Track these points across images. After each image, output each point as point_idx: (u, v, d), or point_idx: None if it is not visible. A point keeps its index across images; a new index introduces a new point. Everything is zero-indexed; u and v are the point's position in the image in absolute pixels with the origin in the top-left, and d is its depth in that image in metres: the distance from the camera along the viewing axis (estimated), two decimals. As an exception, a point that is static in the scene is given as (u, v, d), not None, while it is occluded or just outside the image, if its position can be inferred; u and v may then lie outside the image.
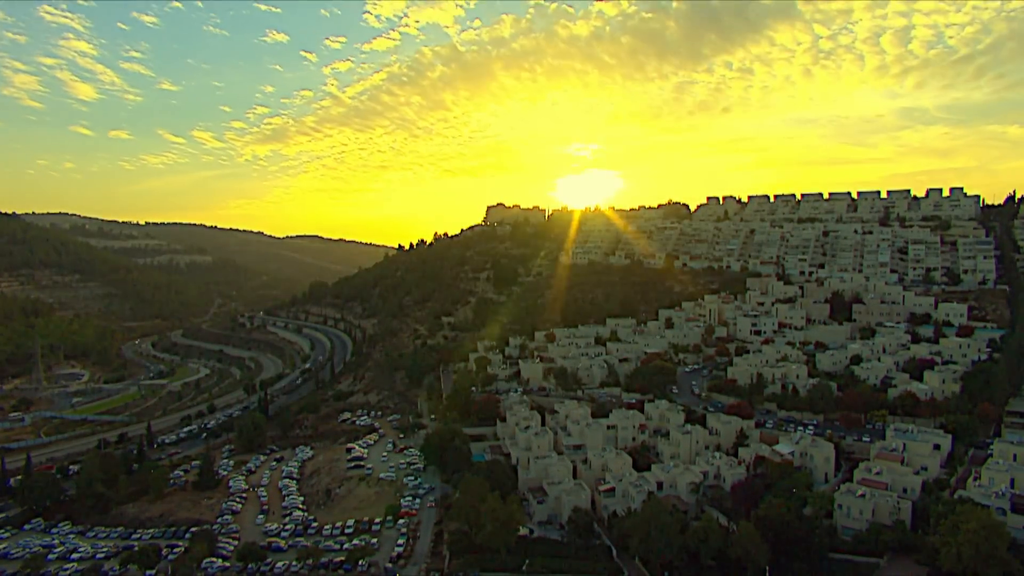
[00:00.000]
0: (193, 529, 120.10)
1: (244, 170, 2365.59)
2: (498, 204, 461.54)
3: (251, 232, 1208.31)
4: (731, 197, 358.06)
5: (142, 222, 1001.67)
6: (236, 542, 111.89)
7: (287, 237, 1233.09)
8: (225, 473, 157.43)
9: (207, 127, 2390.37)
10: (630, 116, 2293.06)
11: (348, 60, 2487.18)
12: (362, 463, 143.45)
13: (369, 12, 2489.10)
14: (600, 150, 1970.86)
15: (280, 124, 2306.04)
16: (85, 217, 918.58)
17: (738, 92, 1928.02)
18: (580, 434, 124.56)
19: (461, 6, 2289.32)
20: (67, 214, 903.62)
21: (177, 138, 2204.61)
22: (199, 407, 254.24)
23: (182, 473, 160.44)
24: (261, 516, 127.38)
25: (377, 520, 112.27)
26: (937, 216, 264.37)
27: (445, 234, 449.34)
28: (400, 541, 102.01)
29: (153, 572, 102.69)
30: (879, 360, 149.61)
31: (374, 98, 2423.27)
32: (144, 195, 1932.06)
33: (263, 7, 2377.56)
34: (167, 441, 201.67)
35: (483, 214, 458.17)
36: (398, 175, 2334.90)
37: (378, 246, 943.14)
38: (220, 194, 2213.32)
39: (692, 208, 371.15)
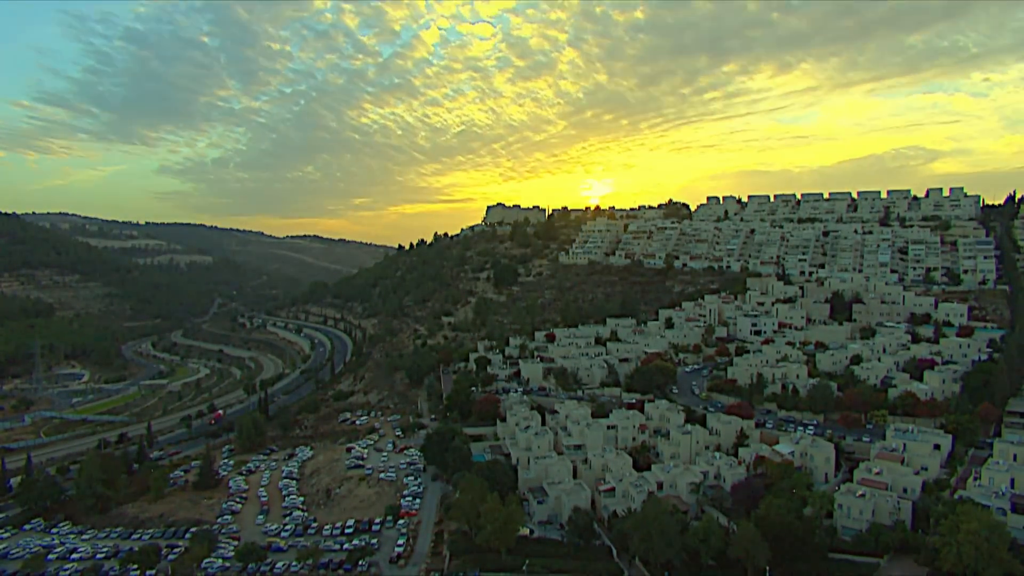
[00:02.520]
0: (193, 529, 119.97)
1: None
2: (498, 204, 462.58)
3: (251, 232, 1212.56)
4: (731, 197, 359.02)
5: (142, 222, 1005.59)
6: (236, 542, 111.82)
7: (287, 237, 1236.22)
8: (225, 473, 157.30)
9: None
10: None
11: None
12: (362, 463, 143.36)
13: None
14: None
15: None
16: (85, 217, 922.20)
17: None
18: (580, 434, 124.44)
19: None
20: (67, 214, 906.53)
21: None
22: (199, 407, 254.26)
23: (182, 473, 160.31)
24: (261, 516, 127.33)
25: (377, 520, 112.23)
26: (937, 216, 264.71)
27: (445, 234, 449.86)
28: (400, 541, 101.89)
29: (153, 572, 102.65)
30: (879, 360, 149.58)
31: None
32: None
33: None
34: (165, 439, 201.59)
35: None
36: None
37: (378, 246, 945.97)
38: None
39: (692, 208, 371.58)
